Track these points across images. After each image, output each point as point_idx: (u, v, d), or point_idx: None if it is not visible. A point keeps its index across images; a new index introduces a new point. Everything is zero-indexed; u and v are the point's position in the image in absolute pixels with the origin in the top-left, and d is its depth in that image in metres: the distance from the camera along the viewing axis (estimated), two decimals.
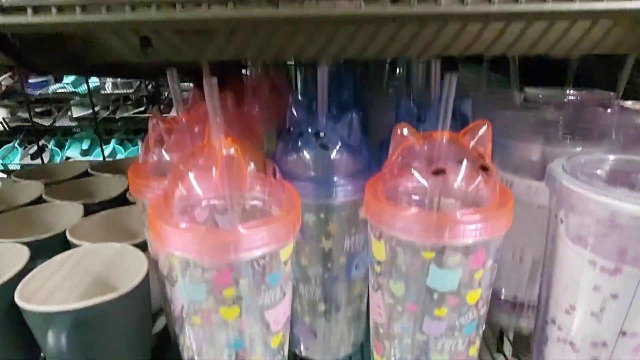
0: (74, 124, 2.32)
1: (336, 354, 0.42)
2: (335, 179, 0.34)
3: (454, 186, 0.29)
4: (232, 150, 0.26)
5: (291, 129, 0.36)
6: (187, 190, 0.28)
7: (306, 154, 0.34)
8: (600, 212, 0.26)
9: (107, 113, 2.27)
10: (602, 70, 0.61)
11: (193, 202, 0.29)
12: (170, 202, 0.28)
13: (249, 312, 0.30)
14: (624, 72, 0.44)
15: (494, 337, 0.51)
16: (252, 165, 0.29)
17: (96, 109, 2.25)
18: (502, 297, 0.44)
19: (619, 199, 0.25)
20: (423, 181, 0.29)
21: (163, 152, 0.35)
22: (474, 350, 0.33)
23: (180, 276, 0.28)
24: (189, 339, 0.31)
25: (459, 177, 0.28)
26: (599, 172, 0.31)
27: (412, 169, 0.29)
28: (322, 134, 0.34)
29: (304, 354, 0.43)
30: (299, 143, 0.35)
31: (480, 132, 0.30)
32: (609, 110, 0.47)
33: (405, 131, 0.29)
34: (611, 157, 0.31)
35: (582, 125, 0.41)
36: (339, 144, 0.34)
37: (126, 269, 0.39)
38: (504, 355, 0.52)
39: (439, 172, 0.28)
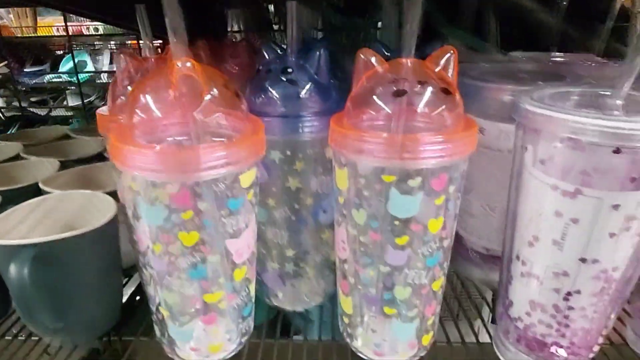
0: (69, 113, 2.32)
1: (306, 303, 0.42)
2: (302, 114, 0.34)
3: (418, 110, 0.28)
4: (187, 64, 0.26)
5: (260, 67, 0.36)
6: (145, 111, 0.28)
7: (273, 90, 0.34)
8: (562, 130, 0.26)
9: (103, 102, 2.27)
10: (584, 38, 0.61)
11: (153, 124, 0.28)
12: (129, 124, 0.28)
13: (209, 238, 0.29)
14: (603, 33, 0.44)
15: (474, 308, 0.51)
16: (215, 90, 0.29)
17: (92, 98, 2.25)
18: (473, 249, 0.44)
19: (582, 116, 0.25)
20: (385, 106, 0.28)
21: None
22: (437, 286, 0.33)
23: (141, 199, 0.28)
24: (152, 270, 0.31)
25: (422, 100, 0.28)
26: (565, 101, 0.30)
27: (375, 94, 0.29)
28: (289, 70, 0.34)
29: (274, 302, 0.42)
30: (267, 79, 0.34)
31: (445, 58, 0.30)
32: (586, 64, 0.47)
33: (369, 57, 0.29)
34: (577, 89, 0.31)
35: (557, 73, 0.41)
36: (307, 80, 0.34)
37: (97, 216, 0.39)
38: (482, 321, 0.52)
39: (400, 93, 0.28)
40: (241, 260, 0.32)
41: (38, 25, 2.31)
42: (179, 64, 0.26)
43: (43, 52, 2.44)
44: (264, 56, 0.37)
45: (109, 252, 0.37)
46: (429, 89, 0.28)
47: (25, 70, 2.37)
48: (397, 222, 0.29)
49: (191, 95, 0.27)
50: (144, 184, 0.28)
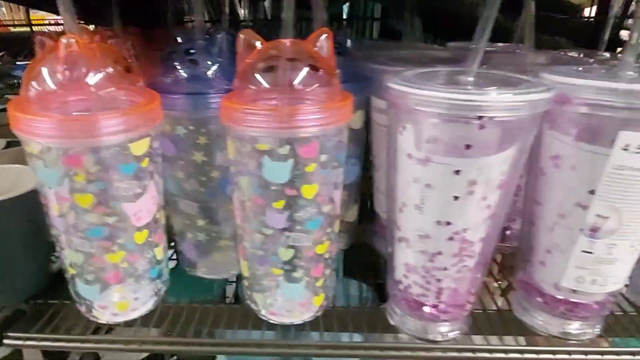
0: None
1: (222, 272, 0.45)
2: (203, 92, 0.37)
3: (293, 85, 0.31)
4: (72, 40, 0.29)
5: (169, 49, 0.39)
6: (41, 84, 0.31)
7: (174, 69, 0.37)
8: (412, 103, 0.29)
9: None
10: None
11: (50, 96, 0.31)
12: (26, 96, 0.31)
13: (103, 200, 0.32)
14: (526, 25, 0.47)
15: None
16: (111, 69, 0.32)
17: None
18: (382, 223, 0.47)
19: (427, 89, 0.28)
20: (263, 81, 0.31)
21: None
22: (322, 249, 0.36)
23: (38, 163, 0.31)
24: (56, 230, 0.34)
25: (297, 76, 0.31)
26: (426, 80, 0.33)
27: (254, 71, 0.32)
28: (192, 51, 0.37)
29: (192, 272, 0.45)
30: (171, 60, 0.37)
31: (322, 39, 0.33)
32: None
33: (251, 38, 0.32)
34: (444, 69, 0.34)
35: (457, 59, 0.44)
36: (209, 60, 0.37)
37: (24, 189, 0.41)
38: None
39: (272, 69, 0.31)
40: (141, 223, 0.35)
41: (32, 18, 2.34)
42: (64, 39, 0.29)
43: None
44: (175, 38, 0.40)
45: (30, 221, 0.40)
46: (302, 66, 0.31)
47: (17, 63, 2.39)
48: (273, 188, 0.32)
49: (80, 69, 0.30)
50: (40, 149, 0.31)
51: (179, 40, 0.40)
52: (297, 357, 0.62)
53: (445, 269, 0.34)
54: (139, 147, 0.32)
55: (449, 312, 0.36)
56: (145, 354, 0.74)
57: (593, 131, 0.30)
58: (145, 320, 0.39)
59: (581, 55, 0.55)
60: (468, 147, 0.29)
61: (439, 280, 0.34)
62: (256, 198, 0.33)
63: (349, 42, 0.44)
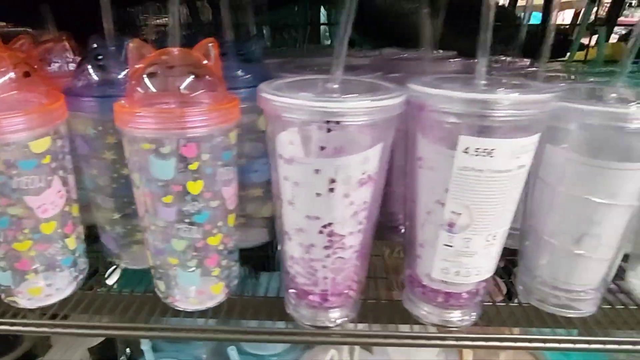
0: None
1: (142, 264, 0.48)
2: (109, 95, 0.40)
3: (180, 91, 0.35)
4: None
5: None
6: None
7: (86, 73, 0.40)
8: (274, 109, 0.32)
9: None
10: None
11: None
12: None
13: (5, 192, 0.35)
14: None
15: None
16: (12, 74, 0.35)
17: None
18: None
19: (290, 97, 0.31)
20: (150, 86, 0.35)
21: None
22: (214, 241, 0.39)
23: None
24: None
25: (181, 82, 0.34)
26: (295, 88, 0.35)
27: (143, 77, 0.35)
28: (99, 57, 0.40)
29: (116, 262, 0.48)
30: (81, 65, 0.41)
31: (206, 48, 0.36)
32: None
33: (139, 47, 0.35)
34: (318, 77, 0.37)
35: (356, 66, 0.47)
36: (116, 66, 0.40)
37: None
38: None
39: (154, 75, 0.34)
40: (47, 215, 0.38)
41: None
42: None
43: None
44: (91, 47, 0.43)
45: None
46: (187, 72, 0.35)
47: None
48: (160, 184, 0.35)
49: None
50: None
51: (94, 46, 0.43)
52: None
53: (320, 259, 0.37)
54: (39, 145, 0.36)
55: (331, 300, 0.39)
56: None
57: (444, 135, 0.33)
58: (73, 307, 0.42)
59: (500, 63, 0.59)
60: (322, 148, 0.32)
61: (316, 270, 0.37)
62: (147, 193, 0.36)
63: (256, 50, 0.46)
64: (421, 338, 0.41)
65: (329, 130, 0.31)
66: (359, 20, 0.89)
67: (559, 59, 0.76)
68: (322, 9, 0.94)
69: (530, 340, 0.41)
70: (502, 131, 0.32)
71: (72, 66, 0.51)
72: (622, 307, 0.45)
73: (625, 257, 0.44)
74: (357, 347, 0.60)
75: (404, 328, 0.42)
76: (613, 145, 0.34)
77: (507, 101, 0.30)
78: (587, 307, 0.42)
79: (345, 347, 0.60)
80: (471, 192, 0.33)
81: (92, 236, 0.47)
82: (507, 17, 0.82)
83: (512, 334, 0.42)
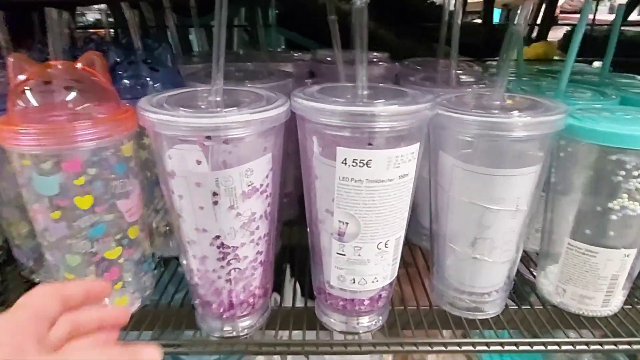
0: None
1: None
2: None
3: (63, 104, 0.34)
4: None
5: None
6: None
7: None
8: (152, 126, 0.32)
9: None
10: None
11: None
12: None
13: None
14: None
15: None
16: None
17: None
18: None
19: (165, 114, 0.31)
20: (32, 100, 0.34)
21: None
22: (112, 254, 0.38)
23: None
24: None
25: (65, 96, 0.34)
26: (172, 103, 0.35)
27: (23, 92, 0.34)
28: None
29: (32, 277, 0.48)
30: None
31: (92, 59, 0.36)
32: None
33: (21, 61, 0.35)
34: (201, 88, 0.37)
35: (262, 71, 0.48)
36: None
37: None
38: None
39: (34, 89, 0.34)
40: None
41: None
42: None
43: None
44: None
45: None
46: (71, 86, 0.34)
47: None
48: (46, 199, 0.35)
49: None
50: None
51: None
52: None
53: (216, 271, 0.37)
54: None
55: (235, 310, 0.39)
56: None
57: (326, 147, 0.34)
58: None
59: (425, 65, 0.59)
60: (199, 162, 0.32)
61: (214, 282, 0.37)
62: (36, 209, 0.36)
63: (164, 57, 0.46)
64: (334, 345, 0.41)
65: (205, 144, 0.31)
66: (304, 22, 0.90)
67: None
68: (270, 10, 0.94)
69: (459, 344, 0.41)
70: (379, 142, 0.32)
71: None
72: (540, 307, 0.45)
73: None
74: (288, 357, 0.60)
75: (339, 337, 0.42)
76: (494, 152, 0.35)
77: (381, 113, 0.31)
78: (492, 309, 0.43)
79: (277, 357, 0.60)
80: (353, 201, 0.34)
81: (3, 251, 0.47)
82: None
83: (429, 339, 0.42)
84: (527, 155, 0.36)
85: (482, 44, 0.88)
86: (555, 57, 0.81)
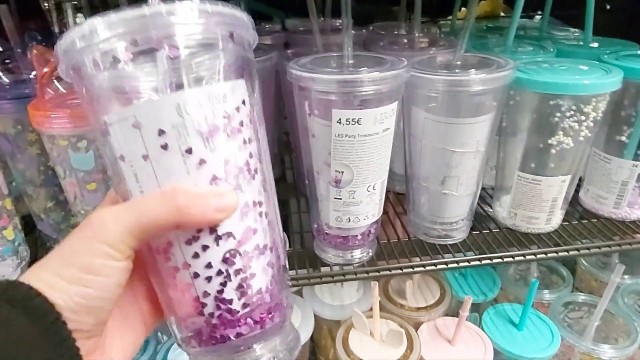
0: None
1: None
2: (25, 96, 0.43)
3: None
4: None
5: None
6: None
7: None
8: None
9: None
10: None
11: None
12: None
13: None
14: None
15: None
16: None
17: None
18: None
19: None
20: (60, 87, 0.39)
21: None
22: None
23: None
24: None
25: None
26: None
27: (52, 80, 0.39)
28: (7, 61, 0.43)
29: (55, 246, 0.53)
30: None
31: None
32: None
33: (43, 52, 0.39)
34: None
35: None
36: (25, 68, 0.43)
37: None
38: None
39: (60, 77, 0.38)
40: None
41: None
42: None
43: None
44: None
45: None
46: None
47: None
48: (82, 173, 0.40)
49: None
50: None
51: (1, 50, 0.45)
52: None
53: None
54: None
55: None
56: None
57: (323, 109, 0.40)
58: None
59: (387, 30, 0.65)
60: None
61: None
62: (71, 183, 0.41)
63: None
64: (336, 275, 0.49)
65: None
66: None
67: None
68: None
69: (434, 264, 0.50)
70: (366, 103, 0.39)
71: None
72: (497, 230, 0.55)
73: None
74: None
75: (326, 270, 0.50)
76: (458, 104, 0.43)
77: (366, 79, 0.37)
78: (459, 235, 0.52)
79: None
80: (347, 153, 0.41)
81: (29, 225, 0.51)
82: None
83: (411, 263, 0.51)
84: (484, 106, 0.43)
85: (434, 3, 0.94)
86: (502, 14, 0.89)
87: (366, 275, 0.50)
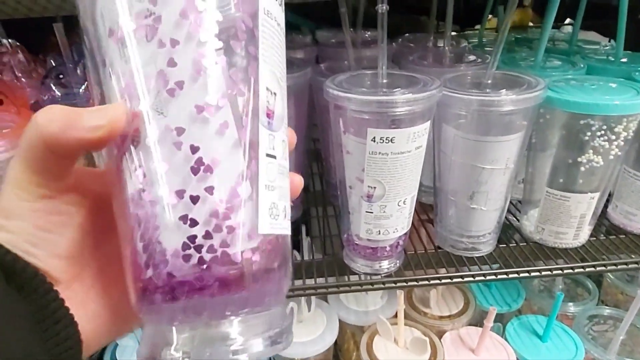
0: None
1: None
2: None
3: None
4: None
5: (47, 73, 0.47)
6: None
7: (50, 90, 0.46)
8: None
9: None
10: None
11: None
12: None
13: None
14: None
15: None
16: None
17: None
18: None
19: None
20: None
21: None
22: None
23: None
24: None
25: None
26: None
27: None
28: (61, 76, 0.46)
29: None
30: (44, 82, 0.46)
31: None
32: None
33: None
34: None
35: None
36: (75, 82, 0.46)
37: None
38: None
39: None
40: None
41: None
42: None
43: None
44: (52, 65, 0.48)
45: None
46: None
47: None
48: None
49: None
50: None
51: (54, 64, 0.48)
52: None
53: None
54: None
55: None
56: None
57: (357, 127, 0.42)
58: None
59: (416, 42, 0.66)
60: None
61: None
62: None
63: None
64: (364, 284, 0.51)
65: None
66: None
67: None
68: None
69: (462, 277, 0.51)
70: (399, 122, 0.40)
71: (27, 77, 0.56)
72: (524, 244, 0.56)
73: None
74: (312, 298, 0.70)
75: (354, 278, 0.51)
76: (489, 123, 0.44)
77: (400, 100, 0.39)
78: (486, 248, 0.53)
79: (303, 299, 0.70)
80: (380, 170, 0.42)
81: None
82: None
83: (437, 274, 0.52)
84: (514, 124, 0.44)
85: (462, 13, 0.95)
86: (530, 24, 0.89)
87: (394, 285, 0.51)
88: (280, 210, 0.21)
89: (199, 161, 0.19)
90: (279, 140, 0.22)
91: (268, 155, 0.21)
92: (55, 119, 0.18)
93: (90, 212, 0.22)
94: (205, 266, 0.19)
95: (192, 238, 0.19)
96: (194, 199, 0.19)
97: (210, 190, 0.19)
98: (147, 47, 0.19)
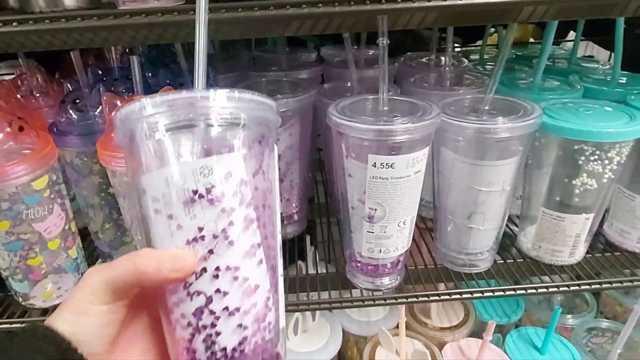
0: None
1: None
2: (89, 133, 0.48)
3: None
4: None
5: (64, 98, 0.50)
6: None
7: (67, 114, 0.48)
8: None
9: None
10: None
11: None
12: None
13: (18, 223, 0.44)
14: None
15: None
16: (9, 129, 0.43)
17: None
18: None
19: None
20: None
21: None
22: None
23: None
24: None
25: None
26: None
27: None
28: (77, 101, 0.48)
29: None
30: (62, 107, 0.49)
31: None
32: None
33: (111, 99, 0.44)
34: None
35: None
36: (91, 107, 0.49)
37: None
38: None
39: None
40: (52, 235, 0.47)
41: None
42: None
43: None
44: (68, 89, 0.51)
45: None
46: None
47: None
48: None
49: None
50: None
51: (71, 89, 0.51)
52: None
53: None
54: (39, 183, 0.44)
55: None
56: None
57: (359, 153, 0.44)
58: None
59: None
60: None
61: None
62: (129, 213, 0.46)
63: None
64: (367, 300, 0.53)
65: None
66: None
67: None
68: None
69: (460, 294, 0.53)
70: (399, 148, 0.42)
71: (45, 96, 0.59)
72: (521, 260, 0.57)
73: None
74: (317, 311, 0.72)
75: (357, 293, 0.53)
76: (485, 148, 0.46)
77: (400, 129, 0.41)
78: (484, 264, 0.55)
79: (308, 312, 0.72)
80: (380, 193, 0.44)
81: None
82: None
83: (437, 290, 0.54)
84: (510, 149, 0.46)
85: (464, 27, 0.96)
86: (531, 40, 0.90)
87: (394, 301, 0.53)
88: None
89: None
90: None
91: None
92: (150, 264, 0.25)
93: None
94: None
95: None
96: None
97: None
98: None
